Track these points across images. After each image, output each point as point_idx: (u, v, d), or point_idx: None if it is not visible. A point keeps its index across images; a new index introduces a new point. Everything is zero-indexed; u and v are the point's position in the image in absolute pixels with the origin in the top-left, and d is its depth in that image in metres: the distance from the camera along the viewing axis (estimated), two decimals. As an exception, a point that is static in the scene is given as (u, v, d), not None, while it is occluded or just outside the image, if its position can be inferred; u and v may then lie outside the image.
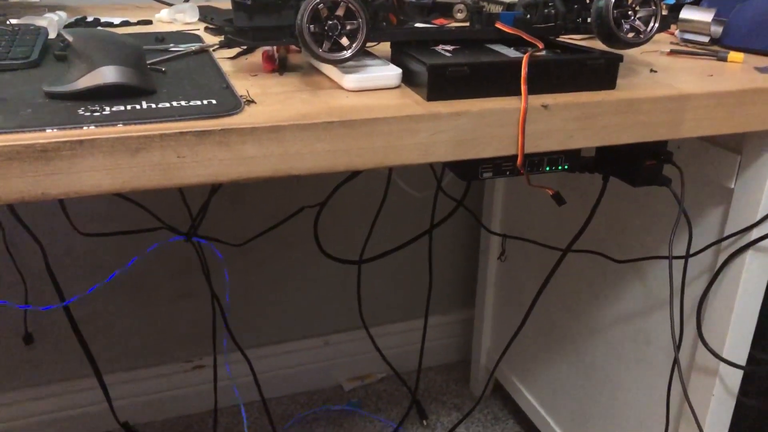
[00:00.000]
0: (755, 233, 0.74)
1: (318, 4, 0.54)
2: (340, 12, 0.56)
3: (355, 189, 1.37)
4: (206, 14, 0.89)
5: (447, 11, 0.92)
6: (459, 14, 0.92)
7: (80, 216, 1.14)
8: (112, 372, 1.36)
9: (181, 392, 1.44)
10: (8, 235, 1.15)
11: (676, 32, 0.86)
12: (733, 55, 0.76)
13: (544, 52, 0.61)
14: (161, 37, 0.75)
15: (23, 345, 1.29)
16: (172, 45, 0.72)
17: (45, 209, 1.12)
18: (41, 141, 0.45)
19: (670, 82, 0.66)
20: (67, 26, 0.79)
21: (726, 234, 0.77)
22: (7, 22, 0.75)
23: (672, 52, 0.79)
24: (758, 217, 0.73)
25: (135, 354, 1.37)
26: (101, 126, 0.48)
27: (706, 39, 0.83)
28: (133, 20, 0.87)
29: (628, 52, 0.76)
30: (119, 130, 0.48)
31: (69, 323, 1.03)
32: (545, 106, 0.58)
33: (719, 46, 0.82)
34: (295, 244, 1.38)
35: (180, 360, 1.42)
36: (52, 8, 0.86)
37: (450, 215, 1.16)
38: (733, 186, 0.76)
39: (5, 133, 0.46)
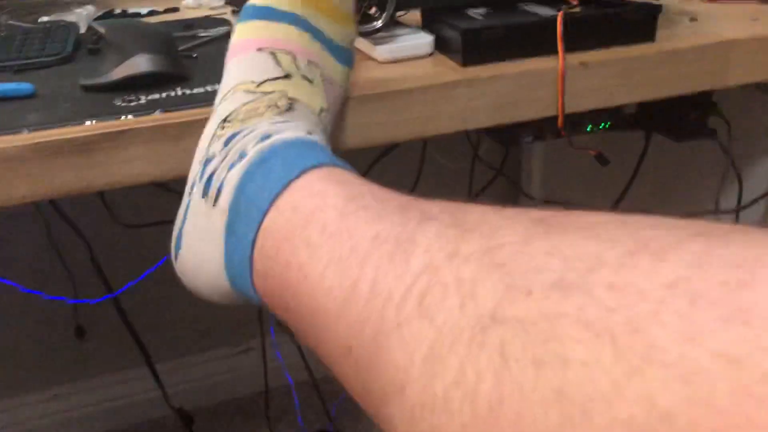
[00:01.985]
0: (809, 181, 0.72)
1: (345, -25, 0.53)
2: (367, -18, 0.55)
3: (389, 164, 1.35)
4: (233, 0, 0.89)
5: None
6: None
7: (122, 208, 1.15)
8: (163, 360, 1.38)
9: (231, 376, 1.46)
10: (53, 231, 1.17)
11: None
12: (777, -3, 0.73)
13: (578, 9, 0.59)
14: (189, 24, 0.75)
15: (75, 338, 1.32)
16: (201, 30, 0.72)
17: (86, 202, 1.14)
18: (82, 134, 0.46)
19: (712, 29, 0.64)
20: (96, 19, 0.79)
21: (778, 184, 0.74)
22: (39, 21, 0.76)
23: (711, -1, 0.76)
24: (811, 165, 0.71)
25: (184, 341, 1.40)
26: (139, 115, 0.48)
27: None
28: (160, 9, 0.86)
29: (667, 1, 0.73)
30: (157, 118, 0.48)
31: (118, 315, 1.05)
32: (584, 64, 0.56)
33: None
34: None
35: (229, 344, 1.44)
36: (81, 3, 0.86)
37: (489, 184, 1.14)
38: (783, 134, 0.73)
39: (47, 128, 0.46)
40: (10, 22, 0.75)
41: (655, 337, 0.17)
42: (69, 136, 0.46)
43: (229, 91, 0.41)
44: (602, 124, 0.63)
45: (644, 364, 0.16)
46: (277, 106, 0.39)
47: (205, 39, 0.67)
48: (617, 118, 0.64)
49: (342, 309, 0.27)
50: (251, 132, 0.37)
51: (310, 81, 0.43)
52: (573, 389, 0.17)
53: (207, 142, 0.40)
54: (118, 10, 0.85)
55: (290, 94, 0.40)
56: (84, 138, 0.46)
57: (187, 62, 0.59)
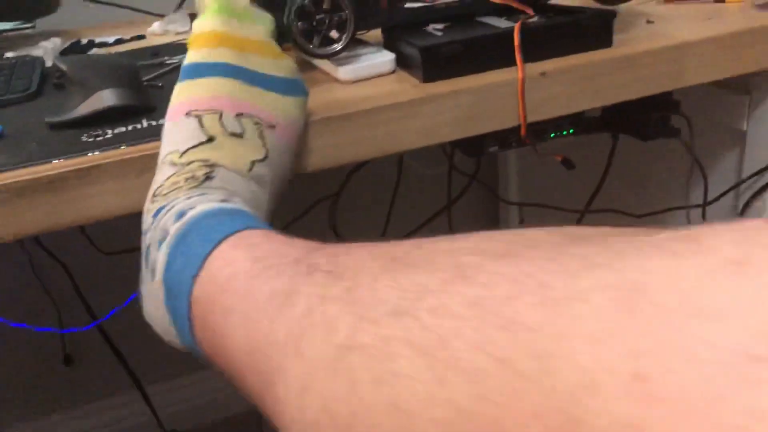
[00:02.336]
0: (773, 173, 0.73)
1: (303, 1, 0.54)
2: (326, 5, 0.56)
3: (367, 175, 1.36)
4: (198, 21, 0.90)
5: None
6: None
7: (101, 235, 1.15)
8: (153, 382, 1.38)
9: (223, 394, 1.46)
10: (35, 260, 1.17)
11: (671, -22, 0.85)
12: (732, -5, 0.74)
13: (536, 19, 0.60)
14: (155, 51, 0.76)
15: (64, 367, 1.32)
16: (167, 57, 0.72)
17: (65, 232, 1.14)
18: (48, 173, 0.46)
19: (669, 31, 0.65)
20: (62, 52, 0.79)
21: (743, 177, 0.76)
22: (4, 56, 0.76)
23: (668, 0, 0.78)
24: (774, 156, 0.72)
25: (173, 362, 1.39)
26: (106, 150, 0.49)
27: (702, -19, 0.82)
28: (127, 37, 0.87)
29: (624, 6, 0.75)
30: (123, 152, 0.48)
31: (105, 341, 1.05)
32: (543, 74, 0.57)
33: (716, -14, 0.81)
34: (315, 238, 1.39)
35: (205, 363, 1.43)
36: (47, 35, 0.86)
37: (464, 191, 1.15)
38: (745, 128, 0.75)
39: (13, 169, 0.47)
40: (-23, 59, 0.75)
41: (457, 349, 0.20)
42: (37, 176, 0.46)
43: (161, 160, 0.44)
44: (565, 131, 0.65)
45: (449, 373, 0.20)
46: (195, 178, 0.41)
47: (171, 66, 0.68)
48: (580, 123, 0.65)
49: (249, 362, 0.30)
50: (171, 208, 0.39)
51: (240, 135, 0.44)
52: (403, 398, 0.21)
53: (145, 211, 0.43)
54: (84, 41, 0.85)
55: (212, 160, 0.42)
56: (52, 176, 0.46)
57: (153, 92, 0.59)
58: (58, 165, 0.47)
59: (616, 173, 0.88)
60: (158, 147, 0.48)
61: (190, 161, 0.42)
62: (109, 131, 0.52)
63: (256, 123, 0.45)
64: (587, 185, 0.90)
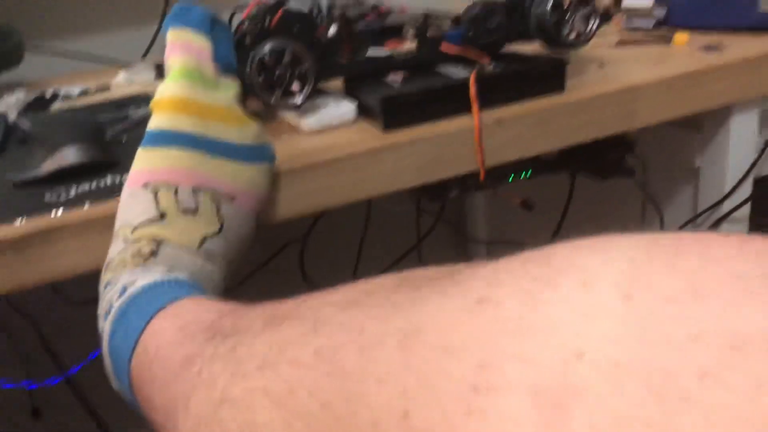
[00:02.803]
0: (726, 206, 0.75)
1: (263, 55, 0.56)
2: (287, 59, 0.57)
3: (336, 216, 1.37)
4: (163, 72, 0.90)
5: (397, 33, 0.94)
6: (410, 34, 0.93)
7: (67, 285, 1.14)
8: (124, 433, 1.36)
9: (196, 442, 1.44)
10: (0, 314, 1.15)
11: (622, 21, 0.88)
12: (679, 37, 0.78)
13: (492, 66, 0.62)
14: (121, 104, 0.76)
15: (33, 421, 1.29)
16: (132, 108, 0.73)
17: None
18: (11, 235, 0.46)
19: (620, 74, 0.67)
20: (26, 107, 0.80)
21: (699, 211, 0.78)
22: (-33, 112, 0.76)
23: (620, 43, 0.81)
24: (726, 190, 0.75)
25: (142, 416, 1.37)
26: (69, 209, 0.49)
27: (651, 23, 0.85)
28: (92, 88, 0.87)
29: (576, 51, 0.77)
30: (87, 212, 0.49)
31: (73, 394, 1.03)
32: (499, 121, 0.59)
33: (666, 27, 0.84)
34: (283, 282, 1.39)
35: None
36: (10, 87, 0.86)
37: (430, 231, 1.17)
38: (698, 164, 0.77)
39: (-25, 231, 0.47)
40: (-61, 115, 0.75)
41: (300, 397, 0.22)
42: (0, 237, 0.46)
43: (116, 229, 0.45)
44: (524, 173, 0.66)
45: (294, 419, 0.22)
46: (140, 254, 0.43)
47: (135, 121, 0.68)
48: (538, 164, 0.67)
49: (163, 425, 0.33)
50: (116, 284, 0.41)
51: (193, 211, 0.45)
52: None
53: (100, 279, 0.45)
54: (49, 94, 0.85)
55: (160, 236, 0.43)
56: (14, 238, 0.46)
57: (117, 148, 0.60)
58: (21, 227, 0.47)
59: (577, 211, 0.90)
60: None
61: (139, 238, 0.44)
62: (73, 189, 0.52)
63: (213, 196, 0.46)
64: (551, 223, 0.92)
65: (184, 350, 0.33)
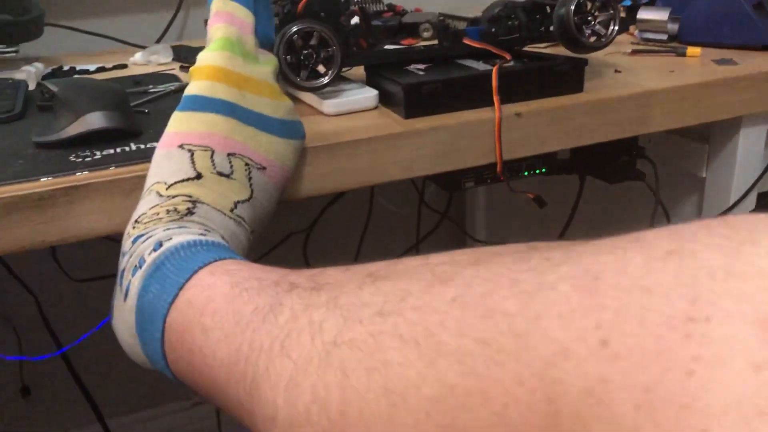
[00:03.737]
0: (730, 218, 0.77)
1: (292, 35, 0.57)
2: (314, 41, 0.58)
3: (339, 212, 1.38)
4: (180, 53, 0.91)
5: (413, 31, 0.95)
6: (426, 33, 0.94)
7: (70, 261, 1.14)
8: (114, 416, 1.35)
9: (185, 430, 1.44)
10: (-1, 288, 1.15)
11: (636, 32, 0.90)
12: (691, 50, 0.79)
13: (512, 63, 0.64)
14: (138, 80, 0.77)
15: (21, 399, 1.28)
16: (150, 86, 0.73)
17: (34, 257, 1.13)
18: (37, 190, 0.47)
19: (635, 80, 0.69)
20: (45, 77, 0.80)
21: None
22: (-13, 79, 0.77)
23: (634, 52, 0.82)
24: (731, 203, 0.76)
25: (135, 396, 1.37)
26: (94, 170, 0.49)
27: (664, 37, 0.87)
28: (109, 66, 0.88)
29: (593, 56, 0.79)
30: (112, 172, 0.49)
31: (67, 372, 1.03)
32: (518, 115, 0.60)
33: (678, 42, 0.86)
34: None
35: (181, 398, 1.41)
36: (29, 60, 0.87)
37: (435, 228, 1.18)
38: (704, 175, 0.79)
39: (1, 185, 0.47)
40: (-42, 80, 0.75)
41: (442, 337, 0.23)
42: (24, 192, 0.47)
43: (147, 188, 0.46)
44: (538, 170, 0.67)
45: (437, 356, 0.23)
46: (176, 211, 0.43)
47: (155, 95, 0.69)
48: (553, 163, 0.68)
49: (230, 372, 0.33)
50: (149, 238, 0.41)
51: (227, 175, 0.46)
52: (394, 383, 0.24)
53: (125, 235, 0.44)
54: (66, 67, 0.86)
55: (195, 196, 0.44)
56: (39, 194, 0.47)
57: (140, 118, 0.61)
58: (46, 183, 0.48)
59: (582, 214, 0.91)
60: (146, 169, 0.50)
61: (175, 195, 0.44)
62: (98, 152, 0.52)
63: (246, 164, 0.47)
64: (553, 225, 0.93)
65: (255, 302, 0.33)
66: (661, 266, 0.19)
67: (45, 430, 1.32)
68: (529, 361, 0.20)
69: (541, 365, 0.20)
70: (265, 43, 0.52)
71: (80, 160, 0.51)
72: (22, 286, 1.05)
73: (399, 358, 0.24)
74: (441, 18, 0.94)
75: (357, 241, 1.35)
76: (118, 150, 0.53)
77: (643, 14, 0.88)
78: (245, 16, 0.50)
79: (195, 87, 0.48)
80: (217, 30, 0.49)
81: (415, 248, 1.23)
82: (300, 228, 1.11)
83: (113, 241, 1.01)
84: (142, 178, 0.49)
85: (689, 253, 0.19)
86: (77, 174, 0.49)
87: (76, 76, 0.81)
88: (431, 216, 1.25)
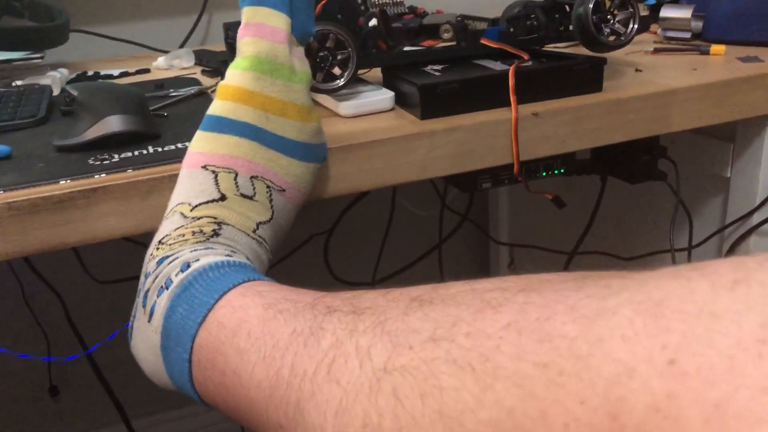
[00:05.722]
0: (756, 218, 0.75)
1: (308, 37, 0.57)
2: (330, 44, 0.58)
3: (360, 213, 1.39)
4: (202, 58, 0.92)
5: (433, 33, 0.95)
6: (446, 34, 0.94)
7: (95, 264, 1.16)
8: (139, 416, 1.37)
9: (209, 430, 1.45)
10: (26, 289, 1.17)
11: (659, 31, 0.88)
12: (715, 48, 0.78)
13: (530, 63, 0.63)
14: (160, 84, 0.78)
15: (49, 398, 1.31)
16: (171, 90, 0.74)
17: (60, 260, 1.15)
18: (56, 192, 0.48)
19: (656, 79, 0.68)
20: (69, 82, 0.81)
21: (727, 222, 0.78)
22: (13, 84, 0.78)
23: (656, 51, 0.81)
24: (757, 202, 0.74)
25: (159, 397, 1.38)
26: (112, 173, 0.50)
27: (687, 35, 0.85)
28: (132, 70, 0.89)
29: (613, 55, 0.78)
30: (129, 175, 0.50)
31: (93, 372, 1.05)
32: (535, 114, 0.60)
33: (701, 40, 0.84)
34: (307, 273, 1.40)
35: (200, 404, 1.43)
36: (54, 66, 0.89)
37: (456, 229, 1.17)
38: (729, 175, 0.77)
39: (22, 188, 0.48)
40: (-15, 86, 0.77)
41: (498, 361, 0.23)
42: (44, 195, 0.48)
43: (172, 208, 0.46)
44: (556, 170, 0.67)
45: (493, 381, 0.23)
46: (202, 233, 0.43)
47: (176, 98, 0.70)
48: (571, 163, 0.68)
49: (270, 396, 0.32)
50: (176, 259, 0.41)
51: (250, 198, 0.46)
52: (449, 408, 0.24)
53: (148, 255, 0.44)
54: (90, 73, 0.87)
55: (220, 218, 0.44)
56: (59, 196, 0.48)
57: (159, 121, 0.61)
58: (65, 185, 0.48)
59: (604, 215, 0.90)
60: (164, 171, 0.50)
61: (200, 216, 0.44)
62: (116, 155, 0.53)
63: (268, 186, 0.47)
64: (576, 226, 0.92)
65: (292, 325, 0.33)
66: (728, 294, 0.20)
67: (73, 429, 1.35)
68: (592, 381, 0.21)
69: (604, 385, 0.20)
70: (303, 38, 0.51)
71: (98, 163, 0.52)
72: (49, 289, 1.07)
73: (454, 383, 0.24)
74: (461, 19, 0.94)
75: (378, 243, 1.35)
76: (136, 153, 0.54)
77: (666, 12, 0.86)
78: (277, 22, 0.48)
79: (219, 107, 0.47)
80: (245, 45, 0.48)
81: (437, 249, 1.23)
82: (321, 230, 1.12)
83: (136, 244, 1.02)
84: (158, 181, 0.50)
85: (757, 283, 0.20)
86: (95, 176, 0.50)
87: (99, 81, 0.83)
88: (453, 218, 1.25)
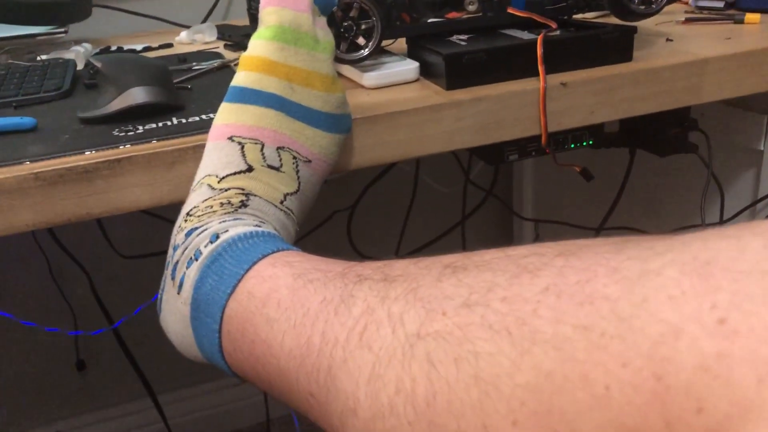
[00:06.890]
0: (789, 192, 0.73)
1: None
2: (354, 13, 0.57)
3: (383, 190, 1.38)
4: (224, 32, 0.92)
5: (459, 5, 0.93)
6: (471, 6, 0.92)
7: (121, 240, 1.17)
8: (164, 391, 1.39)
9: (233, 406, 1.46)
10: (52, 264, 1.19)
11: (690, 0, 0.86)
12: (750, 17, 0.75)
13: (558, 32, 0.62)
14: (183, 58, 0.77)
15: (76, 372, 1.33)
16: (194, 64, 0.74)
17: (86, 236, 1.16)
18: (82, 163, 0.48)
19: (687, 48, 0.66)
20: (93, 56, 0.81)
21: (760, 196, 0.76)
22: (38, 59, 0.78)
23: (687, 21, 0.79)
24: (791, 176, 0.73)
25: (185, 372, 1.40)
26: (136, 144, 0.50)
27: (720, 4, 0.83)
28: (155, 45, 0.89)
29: (643, 24, 0.76)
30: (154, 146, 0.50)
31: (119, 347, 1.06)
32: (564, 84, 0.58)
33: (735, 9, 0.82)
34: (331, 249, 1.40)
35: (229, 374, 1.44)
36: (78, 41, 0.89)
37: (481, 205, 1.16)
38: (762, 147, 0.75)
39: (48, 158, 0.48)
40: (10, 60, 0.77)
41: (536, 325, 0.23)
42: (69, 165, 0.48)
43: (199, 180, 0.45)
44: (585, 142, 0.65)
45: (531, 345, 0.23)
46: (230, 204, 0.43)
47: (199, 71, 0.69)
48: (600, 135, 0.66)
49: (301, 364, 0.32)
50: (204, 230, 0.41)
51: (277, 168, 0.45)
52: (485, 372, 0.24)
53: (176, 228, 0.44)
54: (113, 47, 0.87)
55: (248, 189, 0.44)
56: (84, 166, 0.48)
57: (182, 93, 0.61)
58: (90, 156, 0.48)
59: (632, 189, 0.89)
60: (188, 142, 0.50)
61: (227, 188, 0.44)
62: (140, 127, 0.53)
63: (294, 157, 0.47)
64: (602, 201, 0.91)
65: (322, 293, 0.33)
66: None
67: (100, 403, 1.37)
68: (635, 342, 0.20)
69: (648, 345, 0.20)
70: (326, 8, 0.50)
71: (123, 134, 0.52)
72: (75, 264, 1.08)
73: (489, 347, 0.24)
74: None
75: (401, 219, 1.34)
76: (160, 124, 0.53)
77: (698, -19, 0.84)
78: None
79: (243, 78, 0.47)
80: (268, 15, 0.47)
81: (461, 225, 1.22)
82: (344, 206, 1.11)
83: (160, 219, 1.03)
84: (183, 152, 0.50)
85: None
86: (120, 147, 0.50)
87: (123, 53, 0.83)
88: (476, 194, 1.24)
